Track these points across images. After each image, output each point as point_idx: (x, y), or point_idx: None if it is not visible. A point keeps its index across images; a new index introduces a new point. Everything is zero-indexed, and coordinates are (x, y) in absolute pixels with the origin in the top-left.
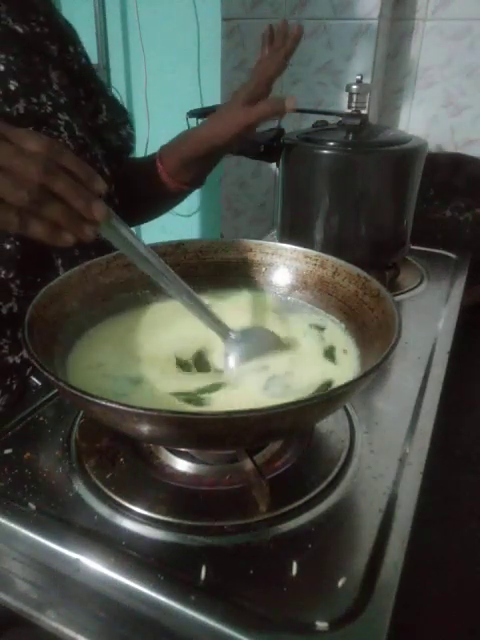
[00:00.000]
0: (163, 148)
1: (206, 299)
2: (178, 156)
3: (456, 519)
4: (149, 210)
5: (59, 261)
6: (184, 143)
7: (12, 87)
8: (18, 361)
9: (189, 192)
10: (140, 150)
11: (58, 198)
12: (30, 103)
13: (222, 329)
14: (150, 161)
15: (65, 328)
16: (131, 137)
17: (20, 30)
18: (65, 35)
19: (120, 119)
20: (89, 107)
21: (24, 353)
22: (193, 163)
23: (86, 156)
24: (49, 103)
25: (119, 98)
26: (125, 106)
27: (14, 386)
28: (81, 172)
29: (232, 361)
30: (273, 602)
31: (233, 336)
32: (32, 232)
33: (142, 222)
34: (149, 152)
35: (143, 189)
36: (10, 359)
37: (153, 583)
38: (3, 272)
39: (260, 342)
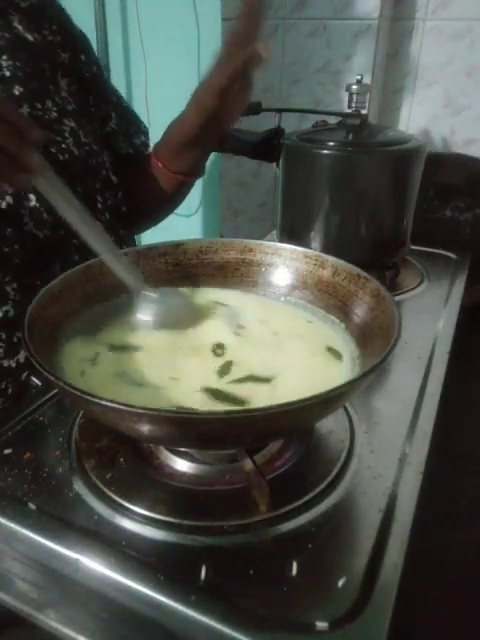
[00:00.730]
0: (157, 143)
1: (206, 299)
2: (170, 145)
3: (456, 519)
4: (155, 210)
5: (57, 265)
6: (172, 130)
7: (17, 92)
8: (13, 365)
9: (190, 185)
10: None
11: None
12: (34, 108)
13: (136, 284)
14: (147, 159)
15: (65, 328)
16: (145, 146)
17: (31, 38)
18: (77, 44)
19: (133, 129)
20: (99, 114)
21: (20, 357)
22: (185, 149)
23: (92, 162)
24: (54, 109)
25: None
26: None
27: (10, 390)
28: (19, 122)
29: (143, 318)
30: (273, 602)
31: (149, 294)
32: None
33: (150, 225)
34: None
35: (145, 188)
36: (5, 362)
37: (153, 583)
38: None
39: (176, 307)
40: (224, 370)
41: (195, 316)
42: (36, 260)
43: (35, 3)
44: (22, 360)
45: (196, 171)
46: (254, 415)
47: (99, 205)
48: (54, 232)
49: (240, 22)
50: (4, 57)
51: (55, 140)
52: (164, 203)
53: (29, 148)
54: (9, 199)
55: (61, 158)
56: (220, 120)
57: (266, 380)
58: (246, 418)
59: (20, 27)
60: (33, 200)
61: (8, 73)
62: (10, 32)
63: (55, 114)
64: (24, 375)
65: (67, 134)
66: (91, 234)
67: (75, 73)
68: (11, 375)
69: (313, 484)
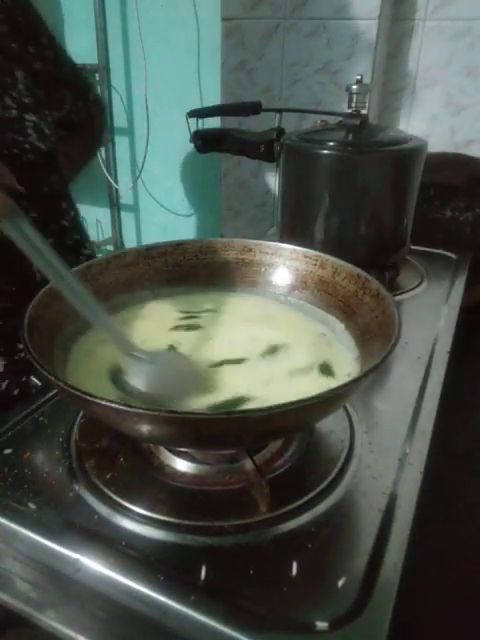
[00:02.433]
0: None
1: (206, 299)
2: None
3: (456, 519)
4: None
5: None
6: None
7: None
8: (1, 369)
9: None
10: (140, 150)
11: None
12: None
13: (125, 346)
14: None
15: (65, 328)
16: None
17: None
18: (24, 34)
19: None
20: (56, 97)
21: (5, 361)
22: None
23: (59, 152)
24: (14, 106)
25: (120, 98)
26: (125, 106)
27: None
28: None
29: (136, 383)
30: (273, 602)
31: (139, 356)
32: None
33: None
34: (149, 152)
35: None
36: None
37: (153, 583)
38: None
39: (173, 371)
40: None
41: (198, 381)
42: (15, 265)
43: None
44: (7, 365)
45: None
46: (254, 415)
47: (63, 204)
48: None
49: None
50: None
51: (19, 143)
52: None
53: None
54: None
55: (24, 159)
56: None
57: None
58: (246, 418)
59: None
60: None
61: None
62: None
63: (15, 111)
64: (6, 382)
65: (30, 130)
66: (68, 291)
67: (27, 65)
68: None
69: (313, 484)
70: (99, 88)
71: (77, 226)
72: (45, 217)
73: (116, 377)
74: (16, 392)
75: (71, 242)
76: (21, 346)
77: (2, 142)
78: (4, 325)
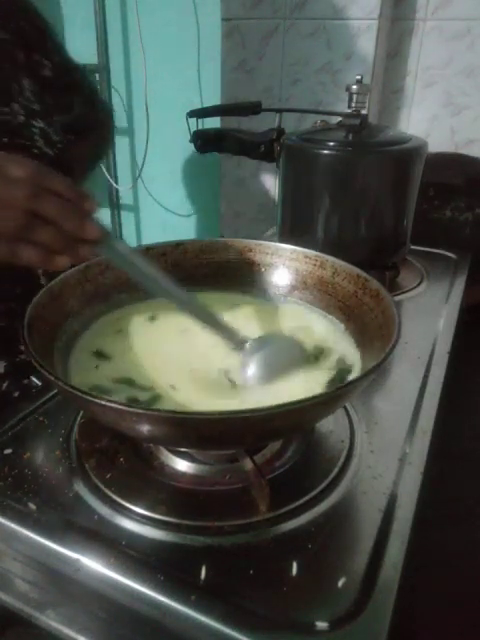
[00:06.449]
0: None
1: (205, 299)
2: None
3: (456, 519)
4: None
5: (40, 270)
6: None
7: None
8: (1, 370)
9: None
10: (140, 150)
11: (49, 222)
12: (2, 114)
13: (236, 339)
14: None
15: (65, 328)
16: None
17: None
18: (29, 42)
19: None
20: (62, 103)
21: (5, 362)
22: None
23: (66, 157)
24: (22, 112)
25: (120, 98)
26: (125, 106)
27: None
28: (70, 193)
29: (250, 375)
30: (273, 602)
31: (249, 346)
32: (25, 258)
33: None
34: (149, 152)
35: None
36: None
37: (153, 583)
38: None
39: (281, 353)
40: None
41: (301, 356)
42: (18, 267)
43: None
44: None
45: None
46: (254, 415)
47: None
48: None
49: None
50: None
51: (27, 147)
52: None
53: (86, 220)
54: None
55: None
56: None
57: None
58: (246, 418)
59: None
60: None
61: None
62: None
63: (23, 117)
64: (5, 384)
65: (37, 136)
66: (177, 299)
67: (33, 72)
68: None
69: (313, 484)
70: (99, 88)
71: None
72: None
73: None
74: (16, 394)
75: None
76: (23, 347)
77: (10, 149)
78: (8, 327)
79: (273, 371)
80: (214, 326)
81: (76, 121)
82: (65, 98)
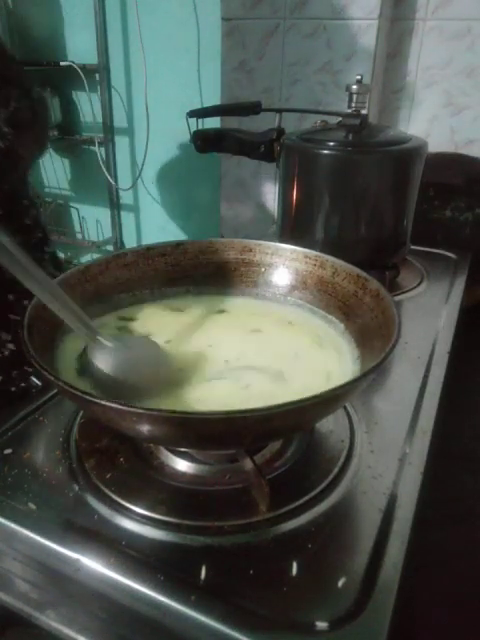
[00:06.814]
0: None
1: (205, 299)
2: None
3: (456, 519)
4: None
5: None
6: None
7: None
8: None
9: None
10: (140, 150)
11: None
12: None
13: (89, 331)
14: None
15: (65, 328)
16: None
17: None
18: None
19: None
20: (2, 95)
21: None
22: None
23: (14, 150)
24: None
25: (120, 98)
26: (125, 106)
27: None
28: None
29: (100, 367)
30: (273, 602)
31: (103, 342)
32: None
33: None
34: (149, 152)
35: None
36: None
37: (153, 583)
38: None
39: (138, 356)
40: None
41: (167, 369)
42: None
43: None
44: None
45: None
46: (254, 415)
47: (25, 202)
48: None
49: None
50: None
51: None
52: None
53: None
54: None
55: None
56: None
57: None
58: (246, 418)
59: None
60: None
61: None
62: None
63: None
64: None
65: None
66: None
67: None
68: None
69: (313, 484)
70: (99, 88)
71: (39, 224)
72: (7, 216)
73: (84, 369)
74: (13, 389)
75: (35, 240)
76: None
77: None
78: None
79: (121, 368)
80: (70, 315)
81: (14, 115)
82: (3, 90)
